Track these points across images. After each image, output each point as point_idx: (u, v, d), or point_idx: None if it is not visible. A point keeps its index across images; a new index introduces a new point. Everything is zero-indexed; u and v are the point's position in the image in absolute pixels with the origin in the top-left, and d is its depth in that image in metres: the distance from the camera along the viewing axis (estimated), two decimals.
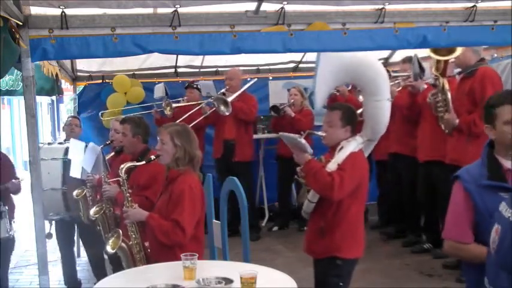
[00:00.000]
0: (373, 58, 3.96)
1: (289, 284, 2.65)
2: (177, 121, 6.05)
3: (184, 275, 2.72)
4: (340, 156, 3.40)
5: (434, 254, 5.66)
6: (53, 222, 5.14)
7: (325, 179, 3.28)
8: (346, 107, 3.63)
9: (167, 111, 6.69)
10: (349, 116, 3.52)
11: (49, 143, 5.20)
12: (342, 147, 3.45)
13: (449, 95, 5.09)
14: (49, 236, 5.11)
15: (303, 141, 3.39)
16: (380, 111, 3.82)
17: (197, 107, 6.70)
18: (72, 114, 5.82)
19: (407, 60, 5.93)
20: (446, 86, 5.13)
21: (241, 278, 2.47)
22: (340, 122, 3.49)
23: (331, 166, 3.37)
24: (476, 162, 2.64)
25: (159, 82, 7.44)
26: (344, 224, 3.42)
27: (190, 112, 6.59)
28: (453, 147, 5.12)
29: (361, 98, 6.10)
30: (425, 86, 5.62)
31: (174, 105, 6.73)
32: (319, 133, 3.60)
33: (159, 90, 7.04)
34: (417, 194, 5.87)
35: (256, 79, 7.12)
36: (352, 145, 3.44)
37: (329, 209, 3.41)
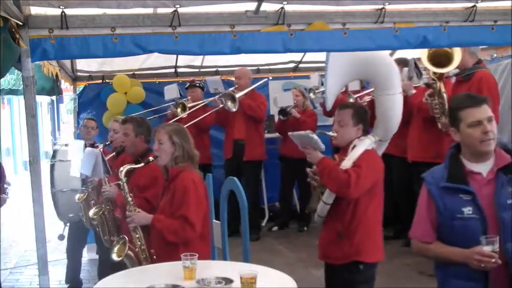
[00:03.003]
0: (382, 52, 3.91)
1: (289, 284, 2.65)
2: (190, 121, 6.09)
3: (184, 275, 2.72)
4: (354, 154, 3.30)
5: None
6: (68, 224, 5.12)
7: (341, 176, 3.18)
8: (357, 106, 3.56)
9: (180, 113, 6.45)
10: (360, 114, 3.43)
11: (66, 145, 5.17)
12: (354, 146, 3.35)
13: (445, 98, 5.10)
14: (61, 237, 5.13)
15: (315, 137, 3.30)
16: (393, 105, 3.73)
17: (201, 104, 6.65)
18: (88, 116, 5.68)
19: (401, 62, 5.91)
20: (443, 90, 5.14)
21: (241, 278, 2.47)
22: (351, 121, 3.39)
23: (346, 164, 3.27)
24: (441, 164, 2.69)
25: (160, 82, 7.42)
26: (363, 225, 3.28)
27: (192, 110, 6.53)
28: (445, 148, 5.13)
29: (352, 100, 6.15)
30: (414, 91, 5.61)
31: (188, 105, 6.58)
32: (330, 133, 3.48)
33: (172, 92, 6.74)
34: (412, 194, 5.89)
35: (266, 79, 7.12)
36: (365, 143, 3.35)
37: (346, 211, 3.28)
